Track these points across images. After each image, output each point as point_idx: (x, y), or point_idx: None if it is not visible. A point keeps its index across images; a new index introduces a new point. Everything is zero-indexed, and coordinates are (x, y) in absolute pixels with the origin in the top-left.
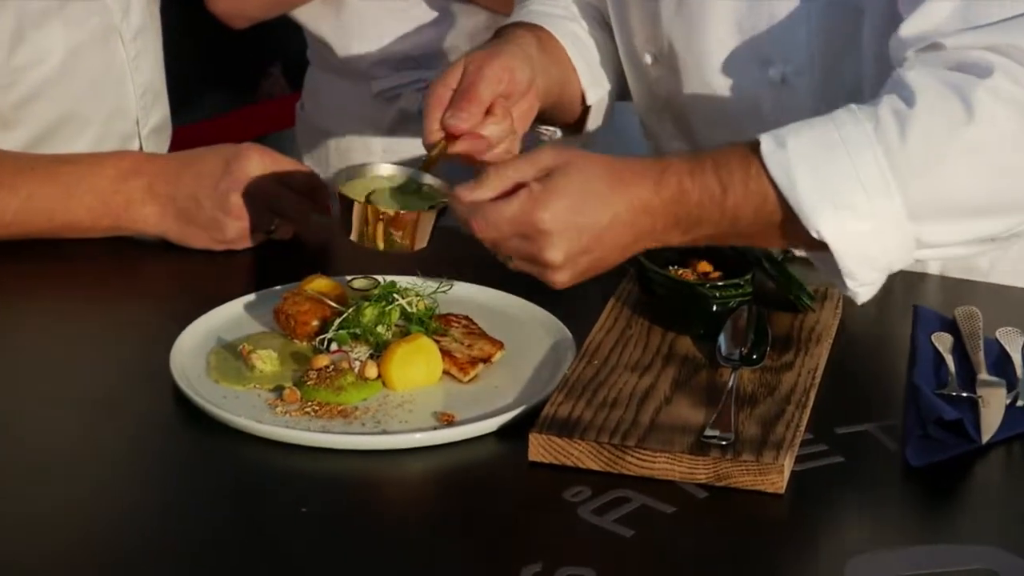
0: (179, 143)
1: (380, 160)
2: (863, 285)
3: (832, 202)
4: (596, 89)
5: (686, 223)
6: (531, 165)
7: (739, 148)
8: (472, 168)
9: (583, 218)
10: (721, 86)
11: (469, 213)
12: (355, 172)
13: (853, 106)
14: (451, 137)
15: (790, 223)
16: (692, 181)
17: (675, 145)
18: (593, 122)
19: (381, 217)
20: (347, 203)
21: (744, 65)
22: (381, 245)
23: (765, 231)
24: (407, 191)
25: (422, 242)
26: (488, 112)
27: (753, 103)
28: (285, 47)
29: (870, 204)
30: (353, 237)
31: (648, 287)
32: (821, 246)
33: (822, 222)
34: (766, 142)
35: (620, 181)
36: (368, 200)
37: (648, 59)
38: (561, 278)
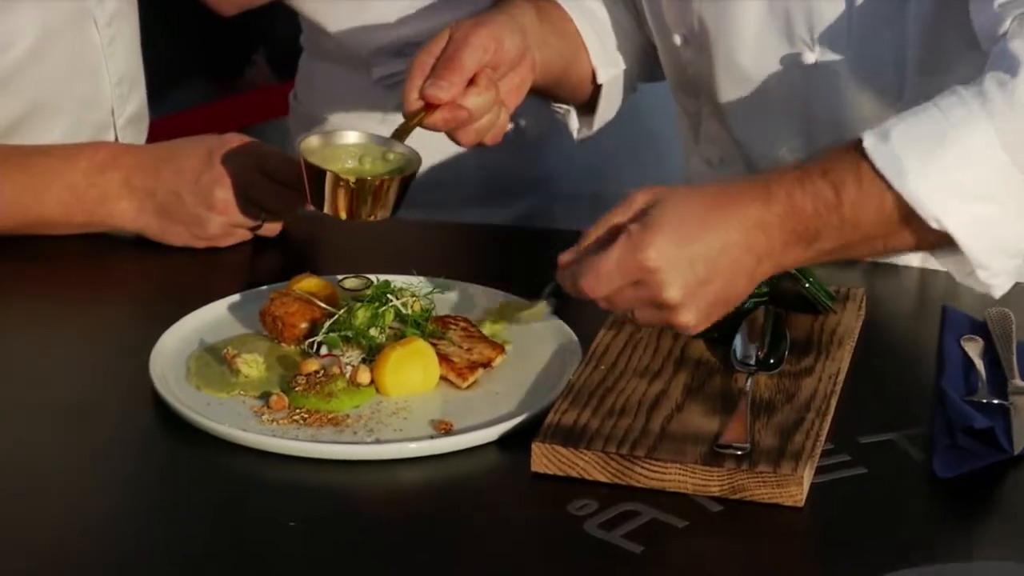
0: (157, 135)
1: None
2: (997, 275)
3: (946, 187)
4: (609, 68)
5: (806, 237)
6: (624, 210)
7: (845, 150)
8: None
9: (691, 248)
10: (753, 67)
11: (575, 276)
12: (322, 140)
13: (958, 87)
14: (431, 107)
15: (913, 219)
16: (803, 191)
17: (713, 126)
18: (606, 103)
19: (341, 184)
20: (312, 171)
21: (777, 45)
22: (343, 215)
23: (890, 233)
24: (375, 159)
25: (386, 211)
26: (472, 83)
27: (787, 85)
28: (269, 33)
29: (988, 184)
30: (317, 206)
31: None
32: (950, 241)
33: (940, 210)
34: (868, 138)
35: (722, 204)
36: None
37: (678, 39)
38: (687, 318)
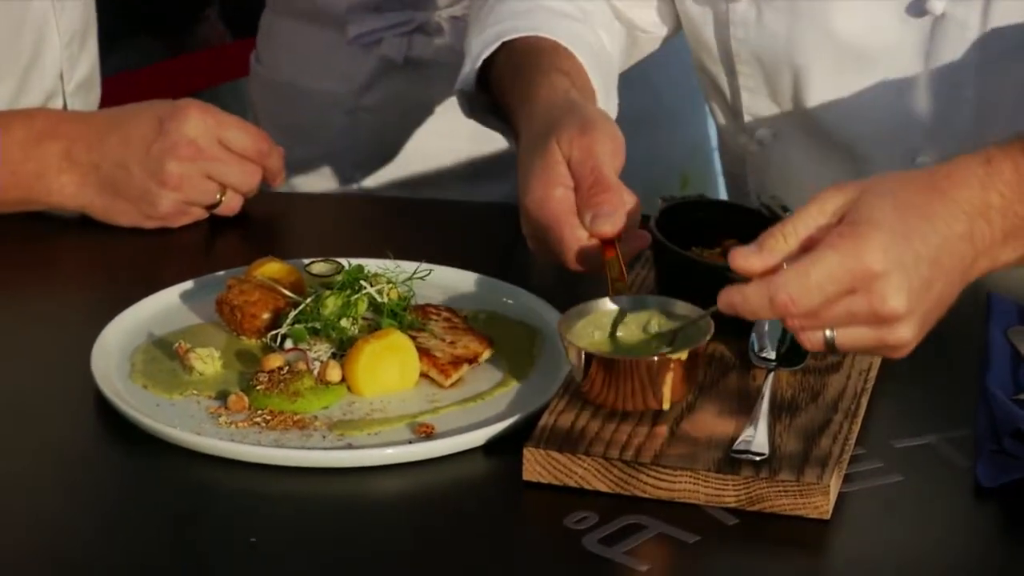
0: (102, 100)
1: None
2: None
3: None
4: (610, 107)
5: None
6: (818, 213)
7: None
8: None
9: (915, 243)
10: (850, 27)
11: (774, 289)
12: (582, 311)
13: None
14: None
15: None
16: None
17: (760, 102)
18: None
19: (600, 363)
20: (574, 350)
21: None
22: (618, 403)
23: None
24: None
25: (676, 396)
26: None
27: (895, 45)
28: None
29: None
30: (587, 392)
31: (665, 271)
32: None
33: None
34: None
35: (936, 188)
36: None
37: (743, 3)
38: (906, 333)
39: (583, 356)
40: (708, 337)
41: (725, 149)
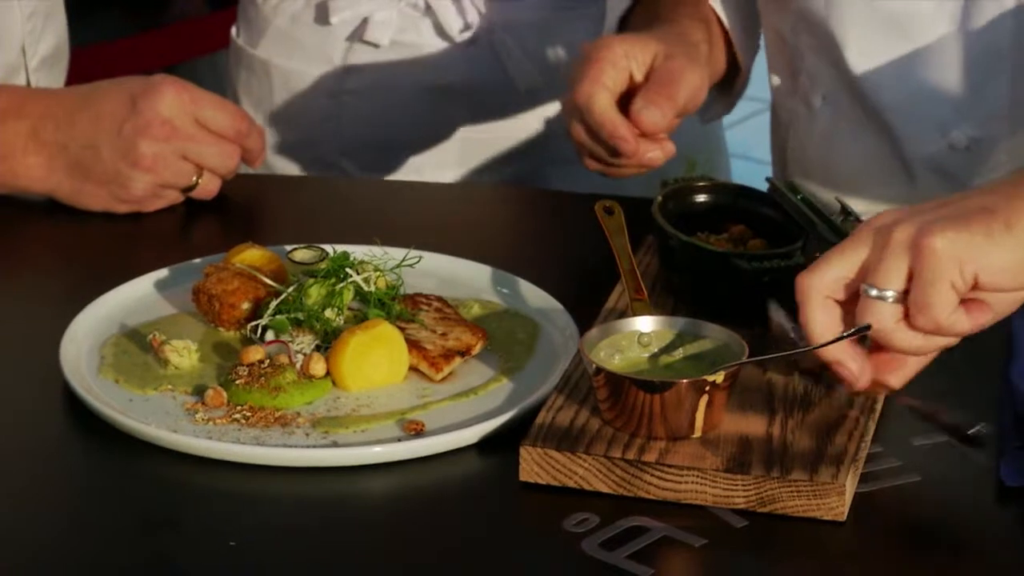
0: (69, 76)
1: None
2: None
3: None
4: (749, 57)
5: None
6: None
7: None
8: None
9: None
10: None
11: (917, 310)
12: (605, 331)
13: None
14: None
15: None
16: None
17: (816, 63)
18: (742, 85)
19: (632, 386)
20: (599, 374)
21: None
22: (641, 429)
23: None
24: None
25: (710, 424)
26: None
27: (931, 11)
28: None
29: None
30: (612, 419)
31: (669, 258)
32: None
33: None
34: None
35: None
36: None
37: None
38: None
39: (607, 378)
40: (744, 359)
41: (775, 115)
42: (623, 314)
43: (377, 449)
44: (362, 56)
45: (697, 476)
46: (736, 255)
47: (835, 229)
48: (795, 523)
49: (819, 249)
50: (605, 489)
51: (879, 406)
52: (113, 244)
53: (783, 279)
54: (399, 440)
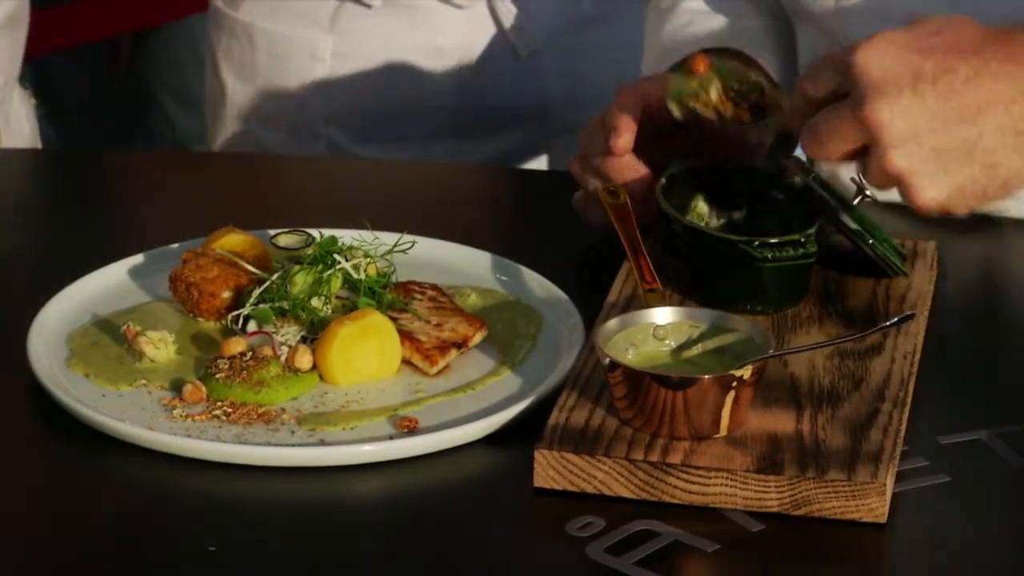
0: (32, 36)
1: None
2: None
3: None
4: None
5: None
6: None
7: None
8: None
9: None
10: None
11: None
12: (621, 323)
13: None
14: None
15: None
16: None
17: (822, 39)
18: None
19: (653, 383)
20: (616, 370)
21: None
22: (663, 428)
23: None
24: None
25: (736, 423)
26: None
27: None
28: None
29: None
30: (630, 418)
31: (672, 244)
32: None
33: None
34: None
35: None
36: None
37: None
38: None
39: (625, 374)
40: (769, 353)
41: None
42: (628, 304)
43: (367, 448)
44: (352, 17)
45: (726, 478)
46: (744, 242)
47: (849, 210)
48: (812, 525)
49: (834, 233)
50: (627, 494)
51: (909, 399)
52: (85, 228)
53: (795, 269)
54: (391, 438)
